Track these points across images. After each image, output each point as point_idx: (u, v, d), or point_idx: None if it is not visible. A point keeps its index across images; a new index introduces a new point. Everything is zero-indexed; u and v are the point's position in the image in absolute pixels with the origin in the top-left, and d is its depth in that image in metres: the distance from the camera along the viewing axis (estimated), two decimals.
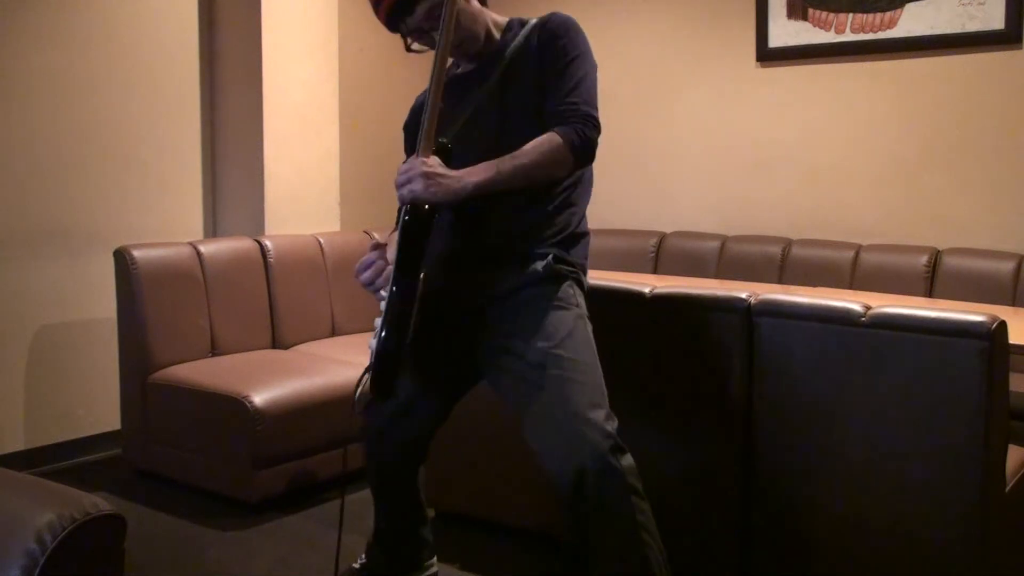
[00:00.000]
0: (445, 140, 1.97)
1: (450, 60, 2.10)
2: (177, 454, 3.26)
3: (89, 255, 3.57)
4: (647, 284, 2.47)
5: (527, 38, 2.06)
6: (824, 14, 4.08)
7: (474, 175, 1.90)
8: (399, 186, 1.89)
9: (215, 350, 3.51)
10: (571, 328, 1.98)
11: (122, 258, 3.31)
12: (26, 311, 3.43)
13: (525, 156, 1.92)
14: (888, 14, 3.92)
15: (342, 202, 4.28)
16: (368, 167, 4.70)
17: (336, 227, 4.25)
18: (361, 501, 3.15)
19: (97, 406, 3.61)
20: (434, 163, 1.89)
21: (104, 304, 3.54)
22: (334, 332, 3.93)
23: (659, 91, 4.58)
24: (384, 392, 1.93)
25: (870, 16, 3.97)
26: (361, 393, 2.05)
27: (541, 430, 1.90)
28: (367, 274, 2.02)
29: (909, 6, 3.86)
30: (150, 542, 2.83)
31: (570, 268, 2.07)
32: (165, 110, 3.84)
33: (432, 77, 1.89)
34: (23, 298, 3.41)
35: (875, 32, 3.96)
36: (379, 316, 1.93)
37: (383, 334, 1.87)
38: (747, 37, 4.30)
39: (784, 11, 4.18)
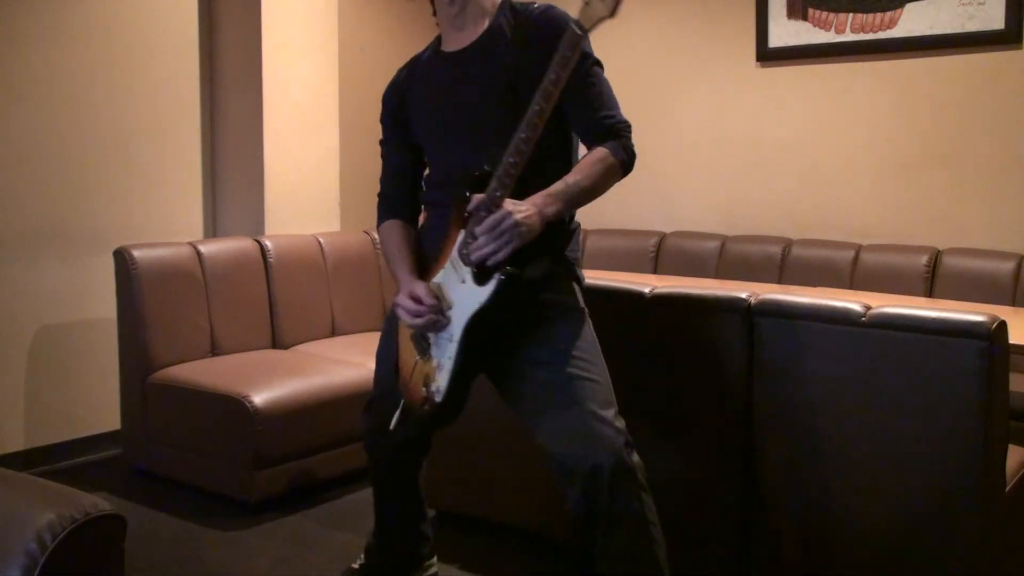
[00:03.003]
0: (488, 168, 1.91)
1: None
2: (177, 454, 3.26)
3: (89, 255, 3.57)
4: (647, 284, 2.47)
5: (524, 25, 2.03)
6: (824, 14, 4.08)
7: (549, 206, 1.88)
8: (491, 252, 1.84)
9: (215, 350, 3.51)
10: (580, 328, 2.01)
11: (122, 258, 3.31)
12: (26, 311, 3.43)
13: (587, 179, 1.93)
14: (888, 14, 3.92)
15: (342, 202, 4.28)
16: (368, 167, 4.68)
17: (336, 227, 4.25)
18: (361, 501, 3.15)
19: (97, 406, 3.61)
20: (519, 211, 1.83)
21: (104, 304, 3.54)
22: (334, 332, 3.93)
23: (659, 91, 4.58)
24: (447, 422, 2.13)
25: (870, 16, 3.97)
26: (396, 422, 2.11)
27: (556, 430, 1.91)
28: (428, 320, 1.98)
29: (909, 6, 3.87)
30: (150, 542, 2.83)
31: (569, 265, 2.09)
32: (165, 110, 3.84)
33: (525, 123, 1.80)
34: (23, 298, 3.41)
35: (875, 32, 3.96)
36: (437, 368, 2.00)
37: (449, 385, 1.97)
38: (747, 37, 4.30)
39: (784, 11, 4.18)
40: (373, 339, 3.86)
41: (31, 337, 3.45)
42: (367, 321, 4.08)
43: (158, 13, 3.79)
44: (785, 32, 4.18)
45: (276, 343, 3.72)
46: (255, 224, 3.94)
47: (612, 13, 1.75)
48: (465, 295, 1.94)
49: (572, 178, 1.92)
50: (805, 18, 4.13)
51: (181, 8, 3.88)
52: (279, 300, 3.73)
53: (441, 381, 1.99)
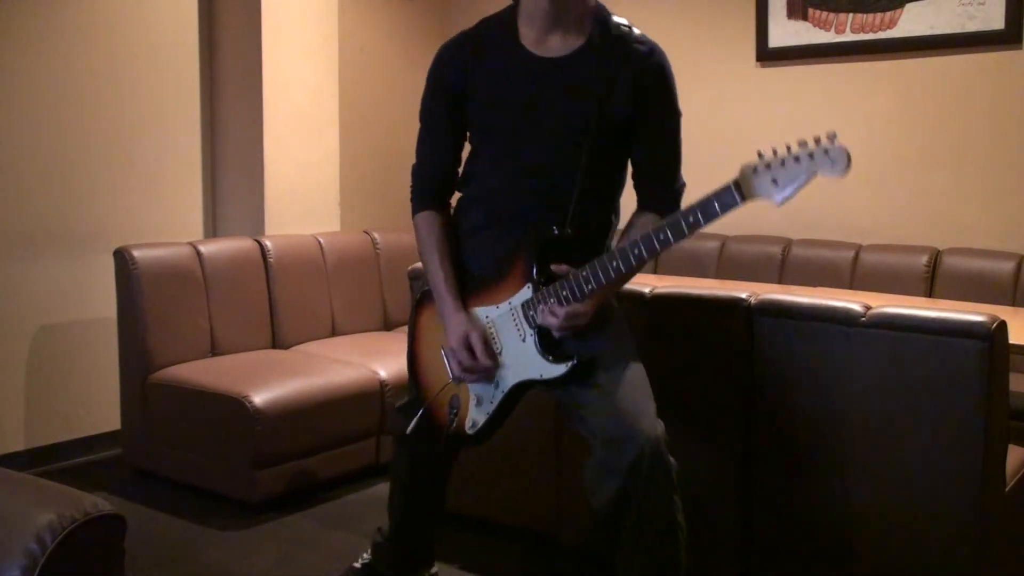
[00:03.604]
0: (569, 232, 1.95)
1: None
2: (177, 454, 3.26)
3: (89, 255, 3.57)
4: (647, 284, 2.47)
5: (621, 58, 1.97)
6: (824, 14, 4.08)
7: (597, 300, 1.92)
8: (560, 331, 1.91)
9: (215, 350, 3.51)
10: (619, 332, 2.04)
11: (122, 258, 3.31)
12: (26, 311, 3.43)
13: (648, 257, 1.92)
14: (888, 14, 3.92)
15: (342, 202, 4.28)
16: (368, 167, 4.70)
17: (336, 227, 4.25)
18: (361, 501, 3.16)
19: (97, 406, 3.61)
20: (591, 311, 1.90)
21: (104, 304, 3.54)
22: (334, 332, 3.93)
23: None
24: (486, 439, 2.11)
25: (870, 16, 3.96)
26: (414, 428, 2.11)
27: (603, 424, 1.91)
28: (475, 378, 2.02)
29: (909, 6, 3.86)
30: (150, 542, 2.82)
31: None
32: (165, 110, 3.84)
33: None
34: (23, 298, 3.41)
35: (875, 32, 3.95)
36: (475, 403, 2.04)
37: (487, 426, 2.03)
38: (747, 37, 4.30)
39: (784, 11, 4.17)
40: (373, 339, 3.90)
41: (31, 337, 3.45)
42: (367, 321, 4.08)
43: (158, 13, 3.79)
44: (785, 32, 4.18)
45: (276, 343, 3.72)
46: (255, 224, 3.94)
47: (780, 203, 1.68)
48: (526, 355, 1.96)
49: (625, 267, 1.87)
50: (805, 18, 4.13)
51: (181, 8, 3.88)
52: (279, 300, 3.73)
53: (479, 419, 2.03)
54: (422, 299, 2.16)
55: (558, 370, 1.92)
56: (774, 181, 1.66)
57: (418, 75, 5.46)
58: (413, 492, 2.33)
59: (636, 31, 2.04)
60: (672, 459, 1.91)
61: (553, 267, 1.90)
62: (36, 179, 3.43)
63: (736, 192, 1.70)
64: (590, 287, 1.86)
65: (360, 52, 4.60)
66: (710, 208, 1.74)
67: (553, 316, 1.88)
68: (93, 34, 3.57)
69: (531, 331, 1.94)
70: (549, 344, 1.94)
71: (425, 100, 2.11)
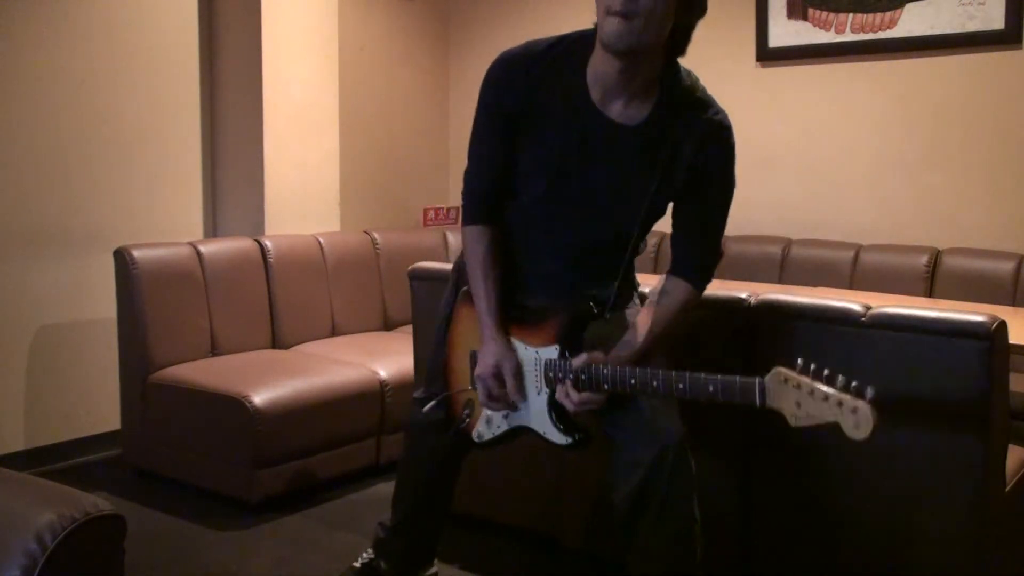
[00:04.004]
0: (596, 311, 1.98)
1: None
2: (177, 454, 3.26)
3: (89, 255, 3.57)
4: (647, 284, 2.46)
5: (685, 124, 1.91)
6: (824, 14, 4.08)
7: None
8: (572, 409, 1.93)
9: (215, 350, 3.51)
10: None
11: (122, 258, 3.31)
12: (26, 311, 3.42)
13: (674, 330, 1.98)
14: (888, 14, 3.92)
15: (342, 202, 4.28)
16: (368, 167, 4.70)
17: (336, 227, 4.24)
18: (361, 501, 3.16)
19: (97, 406, 3.61)
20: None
21: (104, 304, 3.54)
22: (334, 332, 3.93)
23: None
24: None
25: (870, 16, 3.96)
26: (431, 408, 2.14)
27: (628, 420, 1.94)
28: (497, 407, 2.04)
29: (909, 6, 3.86)
30: (150, 542, 2.82)
31: (633, 285, 2.20)
32: (165, 110, 3.84)
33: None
34: (23, 298, 3.41)
35: (875, 32, 3.95)
36: (486, 421, 2.08)
37: (492, 442, 2.09)
38: (747, 37, 4.30)
39: (784, 11, 4.17)
40: (373, 339, 3.90)
41: (31, 337, 3.45)
42: (367, 321, 4.08)
43: (158, 13, 3.79)
44: (785, 32, 4.18)
45: (276, 343, 3.72)
46: (255, 224, 3.94)
47: (793, 425, 1.66)
48: (538, 407, 1.99)
49: (658, 336, 1.96)
50: (805, 18, 4.13)
51: (181, 8, 3.88)
52: (279, 300, 3.73)
53: (484, 434, 2.08)
54: (464, 298, 2.14)
55: (561, 439, 1.96)
56: (797, 404, 1.66)
57: (418, 75, 5.48)
58: (421, 485, 2.32)
59: (704, 94, 1.97)
60: (692, 460, 1.93)
61: (587, 355, 1.89)
62: (36, 179, 3.43)
63: (759, 394, 1.71)
64: (607, 387, 1.87)
65: (360, 52, 4.60)
66: (728, 393, 1.76)
67: (567, 398, 1.91)
68: (93, 34, 3.57)
69: (547, 389, 1.97)
70: (561, 412, 1.96)
71: (480, 113, 2.00)
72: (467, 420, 2.09)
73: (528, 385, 2.00)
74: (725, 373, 2.32)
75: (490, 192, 2.04)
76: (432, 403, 2.14)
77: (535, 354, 1.98)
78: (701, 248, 2.04)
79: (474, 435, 2.10)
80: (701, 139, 1.93)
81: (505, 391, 1.98)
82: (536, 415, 2.00)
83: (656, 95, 1.89)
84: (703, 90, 1.97)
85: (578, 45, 1.91)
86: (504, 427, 2.06)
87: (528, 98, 1.91)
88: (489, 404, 2.03)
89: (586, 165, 1.92)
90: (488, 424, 2.08)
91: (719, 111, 1.98)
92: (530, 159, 1.96)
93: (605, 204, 1.96)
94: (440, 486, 2.33)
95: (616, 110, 1.89)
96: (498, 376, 1.98)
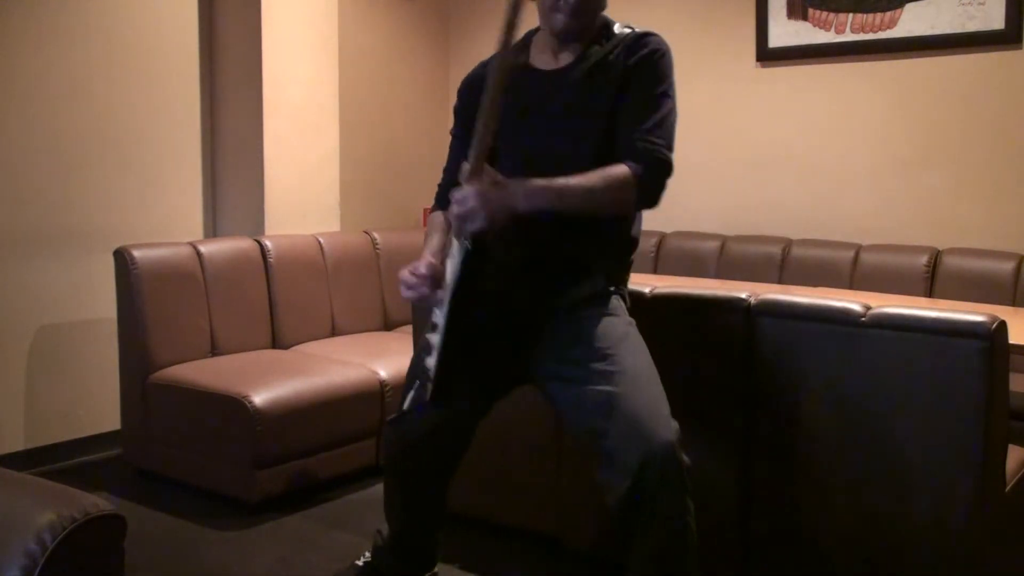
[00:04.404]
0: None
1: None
2: (177, 454, 3.26)
3: (89, 255, 3.57)
4: (647, 284, 2.47)
5: (616, 51, 2.03)
6: (824, 14, 4.08)
7: (533, 197, 1.87)
8: (458, 219, 1.85)
9: (215, 350, 3.51)
10: (626, 332, 2.03)
11: (122, 258, 3.31)
12: (26, 311, 3.42)
13: (590, 193, 1.89)
14: (888, 14, 3.92)
15: (342, 202, 4.28)
16: (368, 167, 4.70)
17: (336, 227, 4.25)
18: (361, 501, 3.16)
19: (97, 406, 3.61)
20: (486, 184, 1.84)
21: (104, 304, 3.54)
22: (334, 332, 3.93)
23: None
24: (444, 398, 2.02)
25: (870, 16, 3.96)
26: (411, 403, 2.10)
27: (610, 428, 1.91)
28: (419, 292, 1.99)
29: (909, 6, 3.86)
30: (150, 542, 2.83)
31: (620, 284, 2.14)
32: (165, 110, 3.84)
33: (488, 91, 1.83)
34: (23, 298, 3.41)
35: (875, 32, 3.96)
36: (431, 332, 1.98)
37: (438, 364, 1.94)
38: (747, 37, 4.30)
39: (784, 11, 4.17)
40: (373, 339, 3.90)
41: (31, 337, 3.45)
42: (367, 321, 4.08)
43: (158, 13, 3.79)
44: (785, 32, 4.18)
45: (276, 343, 3.72)
46: (255, 224, 3.94)
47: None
48: (452, 270, 1.96)
49: (579, 184, 1.89)
50: (805, 18, 4.13)
51: (181, 8, 3.88)
52: (279, 300, 3.73)
53: (431, 360, 1.98)
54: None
55: (457, 261, 1.91)
56: None
57: (418, 75, 5.48)
58: (409, 497, 2.30)
59: (637, 29, 2.09)
60: (686, 458, 1.90)
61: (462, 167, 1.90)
62: (36, 179, 3.43)
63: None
64: (472, 159, 1.84)
65: (360, 52, 4.60)
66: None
67: (452, 210, 1.87)
68: (93, 34, 3.57)
69: (457, 244, 1.93)
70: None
71: (454, 124, 2.28)
72: (428, 369, 2.02)
73: (449, 269, 1.96)
74: (725, 373, 2.33)
75: (452, 183, 2.11)
76: (411, 394, 2.11)
77: (454, 240, 1.98)
78: (633, 136, 1.96)
79: (428, 370, 2.01)
80: (627, 52, 2.04)
81: (416, 278, 1.97)
82: (452, 273, 1.95)
83: (592, 40, 2.07)
84: (635, 28, 2.10)
85: (525, 36, 2.16)
86: (442, 320, 1.96)
87: (477, 92, 2.03)
88: (407, 295, 2.00)
89: (525, 117, 2.05)
90: (433, 349, 1.98)
91: (647, 31, 2.08)
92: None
93: (551, 144, 2.03)
94: (427, 489, 2.30)
95: (546, 61, 2.10)
96: (412, 271, 1.98)
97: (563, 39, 2.07)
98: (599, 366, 1.96)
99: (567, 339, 2.03)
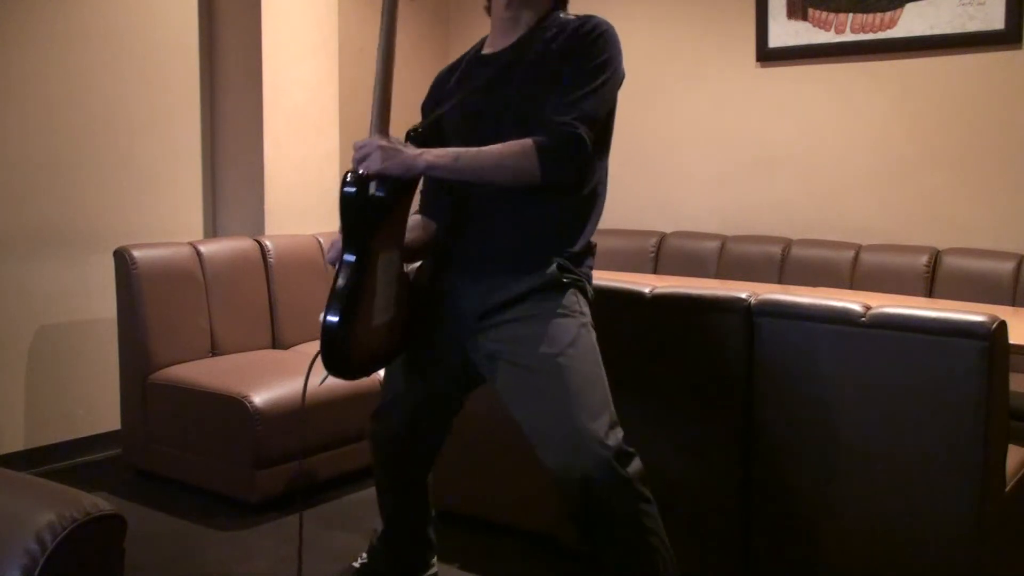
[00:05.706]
0: (417, 130, 2.07)
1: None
2: (177, 454, 3.26)
3: (89, 255, 3.57)
4: (647, 284, 2.47)
5: (556, 37, 2.01)
6: (824, 14, 4.08)
7: (431, 155, 1.93)
8: (356, 162, 1.94)
9: (215, 350, 3.51)
10: (574, 336, 1.95)
11: (122, 258, 3.31)
12: (26, 311, 3.43)
13: (490, 157, 1.92)
14: (888, 14, 3.92)
15: None
16: None
17: (336, 227, 4.24)
18: (361, 501, 3.16)
19: (97, 406, 3.61)
20: (391, 140, 1.95)
21: (104, 304, 3.54)
22: None
23: (659, 91, 4.58)
24: (337, 370, 1.94)
25: (870, 16, 3.97)
26: (323, 380, 2.03)
27: (544, 438, 1.90)
28: (331, 254, 2.09)
29: (909, 6, 3.87)
30: (150, 542, 2.83)
31: (575, 276, 2.03)
32: (165, 110, 3.84)
33: (379, 58, 1.94)
34: (23, 298, 3.41)
35: (875, 32, 3.96)
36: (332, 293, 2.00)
37: (327, 309, 1.93)
38: (747, 37, 4.30)
39: (784, 11, 4.18)
40: None
41: (31, 337, 3.45)
42: None
43: (158, 13, 3.79)
44: (785, 32, 4.18)
45: (276, 343, 3.72)
46: (255, 224, 3.94)
47: None
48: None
49: (480, 149, 1.93)
50: (805, 18, 4.13)
51: (181, 8, 3.88)
52: (279, 300, 3.73)
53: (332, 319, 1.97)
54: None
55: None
56: None
57: (418, 75, 5.48)
58: (394, 497, 2.33)
59: (574, 18, 2.07)
60: (634, 467, 1.86)
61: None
62: (36, 179, 3.43)
63: None
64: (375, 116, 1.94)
65: (360, 52, 4.60)
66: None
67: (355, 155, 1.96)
68: (93, 34, 3.57)
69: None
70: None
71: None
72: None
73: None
74: (725, 372, 2.33)
75: (431, 188, 2.22)
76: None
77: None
78: (548, 109, 1.94)
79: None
80: (565, 31, 2.02)
81: (333, 250, 2.07)
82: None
83: (535, 23, 2.08)
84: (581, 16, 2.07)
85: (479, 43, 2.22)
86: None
87: (440, 93, 2.24)
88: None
89: (474, 98, 2.08)
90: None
91: (591, 16, 2.05)
92: (448, 140, 2.14)
93: (497, 125, 2.01)
94: (407, 493, 2.34)
95: (490, 46, 2.15)
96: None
97: (510, 23, 2.10)
98: (542, 374, 1.91)
99: (511, 335, 1.98)
